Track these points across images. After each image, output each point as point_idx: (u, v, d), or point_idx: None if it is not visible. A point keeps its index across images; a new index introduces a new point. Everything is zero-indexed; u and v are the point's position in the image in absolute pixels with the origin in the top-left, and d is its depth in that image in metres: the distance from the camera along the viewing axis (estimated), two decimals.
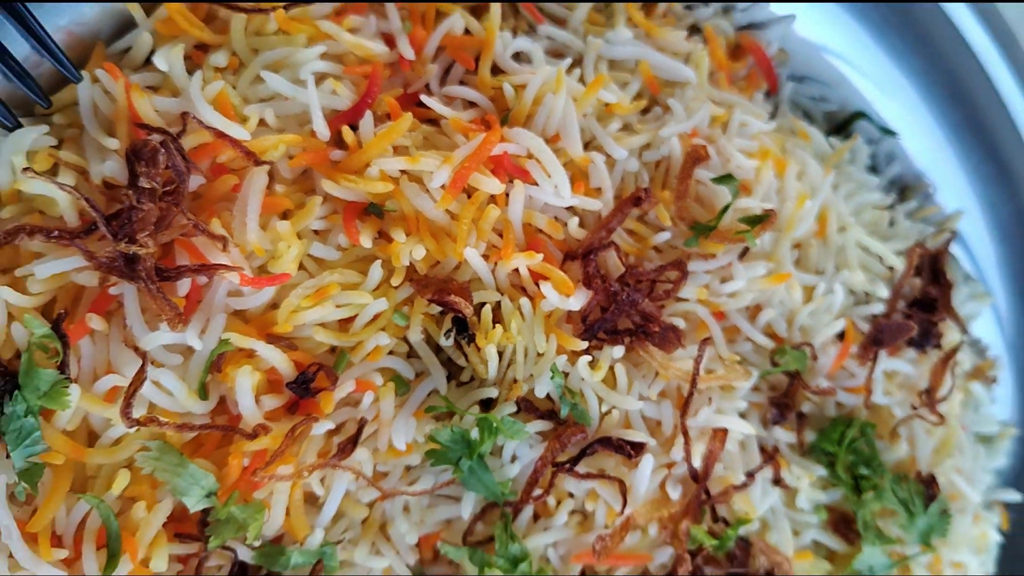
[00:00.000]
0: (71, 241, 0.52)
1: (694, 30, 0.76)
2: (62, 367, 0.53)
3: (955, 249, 0.86)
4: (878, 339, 0.74)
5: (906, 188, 0.85)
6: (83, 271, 0.54)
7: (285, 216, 0.58)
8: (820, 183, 0.75)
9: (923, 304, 0.79)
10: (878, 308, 0.76)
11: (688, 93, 0.71)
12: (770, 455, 0.71)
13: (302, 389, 0.58)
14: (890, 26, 0.81)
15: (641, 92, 0.71)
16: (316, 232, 0.59)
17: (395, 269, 0.60)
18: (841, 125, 0.84)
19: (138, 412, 0.54)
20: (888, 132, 0.82)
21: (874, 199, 0.80)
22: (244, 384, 0.56)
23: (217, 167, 0.57)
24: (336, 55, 0.62)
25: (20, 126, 0.54)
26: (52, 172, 0.54)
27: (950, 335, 0.80)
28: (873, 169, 0.85)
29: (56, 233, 0.52)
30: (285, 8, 0.59)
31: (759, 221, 0.68)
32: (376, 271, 0.59)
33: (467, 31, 0.66)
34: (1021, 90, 0.83)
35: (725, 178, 0.70)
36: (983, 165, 0.87)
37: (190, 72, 0.57)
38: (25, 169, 0.52)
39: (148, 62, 0.59)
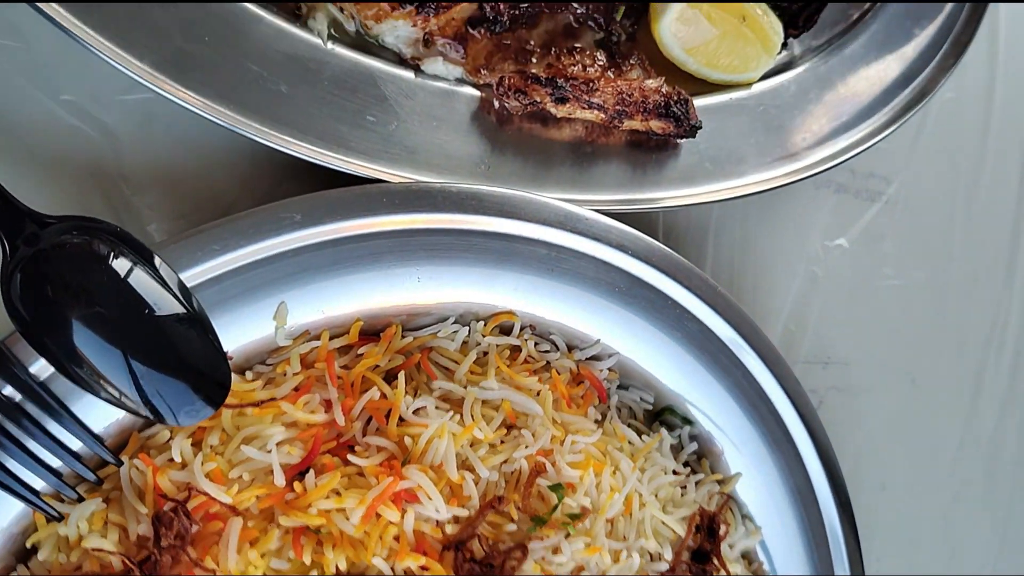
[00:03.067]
0: None
1: (547, 365, 1.09)
2: None
3: (740, 488, 1.20)
4: None
5: (702, 456, 1.19)
6: None
7: (253, 543, 0.89)
8: (629, 475, 1.08)
9: (699, 555, 1.12)
10: (664, 566, 1.09)
11: (536, 421, 1.03)
12: None
13: None
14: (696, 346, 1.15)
15: (503, 421, 1.03)
16: (274, 550, 0.90)
17: (326, 574, 0.91)
18: (658, 414, 1.18)
19: None
20: (687, 422, 1.16)
21: (671, 479, 1.13)
22: None
23: (208, 515, 0.87)
24: (291, 421, 0.93)
25: (82, 498, 0.84)
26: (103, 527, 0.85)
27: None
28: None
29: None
30: (260, 404, 0.90)
31: (578, 516, 1.02)
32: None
33: (383, 395, 0.97)
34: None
35: (556, 486, 1.02)
36: (770, 432, 1.21)
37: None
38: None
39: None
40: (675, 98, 1.06)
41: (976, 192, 1.41)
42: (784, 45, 1.21)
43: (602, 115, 1.03)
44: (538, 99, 1.00)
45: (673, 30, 1.08)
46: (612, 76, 1.05)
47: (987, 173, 1.41)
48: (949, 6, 1.29)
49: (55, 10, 0.81)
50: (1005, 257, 1.43)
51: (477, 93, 1.02)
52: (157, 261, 0.81)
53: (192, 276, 0.84)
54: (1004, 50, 1.41)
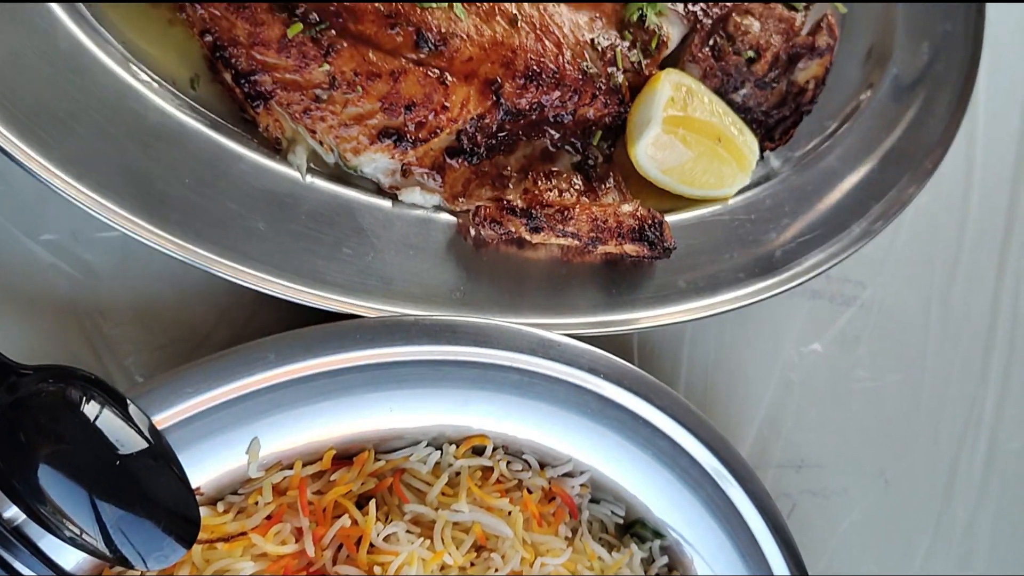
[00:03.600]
0: None
1: (520, 484, 1.10)
2: None
3: None
4: None
5: (673, 569, 1.20)
6: None
7: None
8: None
9: None
10: None
11: (507, 544, 1.05)
12: None
13: None
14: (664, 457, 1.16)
15: (474, 543, 1.05)
16: None
17: None
18: (628, 526, 1.19)
19: None
20: (658, 535, 1.17)
21: None
22: None
23: None
24: (261, 552, 0.94)
25: None
26: None
27: None
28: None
29: None
30: (230, 540, 0.91)
31: None
32: None
33: (354, 522, 0.98)
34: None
35: None
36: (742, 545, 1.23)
37: None
38: None
39: None
40: (649, 222, 1.08)
41: (951, 293, 1.42)
42: (761, 157, 1.23)
43: (576, 242, 1.05)
44: (513, 229, 1.02)
45: (649, 153, 1.10)
46: (588, 201, 1.07)
47: (962, 275, 1.43)
48: (927, 120, 1.31)
49: (33, 159, 0.82)
50: (980, 355, 1.45)
51: (454, 219, 1.04)
52: (131, 408, 0.83)
53: (165, 418, 0.86)
54: (981, 155, 1.44)
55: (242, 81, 0.93)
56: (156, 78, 0.91)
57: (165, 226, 0.87)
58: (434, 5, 0.97)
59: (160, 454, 0.84)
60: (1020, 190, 1.44)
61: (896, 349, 1.39)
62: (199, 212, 0.89)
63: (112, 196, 0.85)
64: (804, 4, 1.24)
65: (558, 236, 1.04)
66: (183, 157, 0.90)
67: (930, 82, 1.33)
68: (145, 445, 0.84)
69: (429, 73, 0.97)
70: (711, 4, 1.17)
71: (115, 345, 0.90)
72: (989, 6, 1.37)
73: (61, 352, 0.86)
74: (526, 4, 1.03)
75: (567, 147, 1.09)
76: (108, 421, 0.83)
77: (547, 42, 1.03)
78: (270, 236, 0.92)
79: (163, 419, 0.86)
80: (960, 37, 1.34)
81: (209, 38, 0.92)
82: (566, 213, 1.04)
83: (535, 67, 1.02)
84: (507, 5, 1.01)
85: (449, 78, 0.98)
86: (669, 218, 1.15)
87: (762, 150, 1.23)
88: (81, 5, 0.88)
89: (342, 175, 1.00)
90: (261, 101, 0.94)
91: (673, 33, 1.15)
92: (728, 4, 1.18)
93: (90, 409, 0.83)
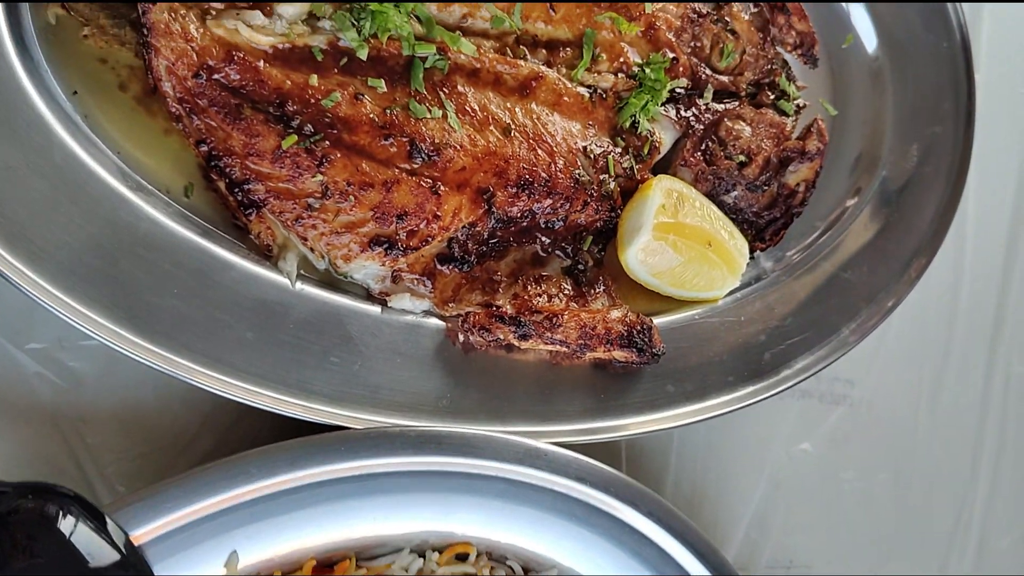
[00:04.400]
0: None
1: None
2: None
3: None
4: None
5: None
6: None
7: None
8: None
9: None
10: None
11: None
12: None
13: None
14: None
15: None
16: None
17: None
18: None
19: None
20: None
21: None
22: None
23: None
24: None
25: None
26: None
27: None
28: None
29: None
30: None
31: None
32: None
33: None
34: None
35: None
36: None
37: None
38: None
39: None
40: (638, 328, 1.08)
41: (940, 391, 1.43)
42: (751, 258, 1.24)
43: (565, 349, 1.05)
44: (501, 336, 1.02)
45: (640, 258, 1.11)
46: (577, 307, 1.07)
47: (951, 373, 1.43)
48: (916, 221, 1.32)
49: (21, 273, 0.83)
50: (969, 453, 1.45)
51: (443, 324, 1.04)
52: (109, 524, 0.82)
53: (145, 533, 0.85)
54: (971, 253, 1.45)
55: (236, 190, 0.94)
56: (150, 187, 0.92)
57: (151, 338, 0.87)
58: (428, 116, 0.98)
59: (134, 568, 0.83)
60: (1009, 289, 1.45)
61: (885, 448, 1.38)
62: (187, 323, 0.89)
63: (99, 309, 0.85)
64: (795, 108, 1.26)
65: (547, 343, 1.04)
66: (174, 267, 0.90)
67: (919, 184, 1.34)
68: (118, 557, 0.83)
69: (422, 183, 0.98)
70: (703, 110, 1.19)
71: (97, 453, 0.90)
72: (979, 98, 1.39)
73: (43, 461, 0.85)
74: (519, 113, 1.04)
75: (557, 252, 1.10)
76: (83, 536, 0.82)
77: (540, 151, 1.04)
78: (258, 346, 0.92)
79: (142, 534, 0.85)
80: (949, 140, 1.35)
81: (204, 148, 0.93)
82: (554, 320, 1.04)
83: (527, 176, 1.03)
84: (501, 115, 1.03)
85: (442, 187, 0.99)
86: (658, 320, 1.15)
87: (752, 251, 1.23)
88: (79, 119, 0.89)
89: (332, 281, 1.00)
90: (254, 209, 0.95)
91: (665, 138, 1.17)
92: (720, 109, 1.20)
93: (66, 524, 0.82)
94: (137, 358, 0.85)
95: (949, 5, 1.35)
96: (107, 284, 0.86)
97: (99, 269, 0.86)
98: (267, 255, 0.97)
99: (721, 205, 1.21)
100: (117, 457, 0.91)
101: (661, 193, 1.11)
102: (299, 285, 0.97)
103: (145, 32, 0.89)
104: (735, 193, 1.22)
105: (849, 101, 1.35)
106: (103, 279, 0.86)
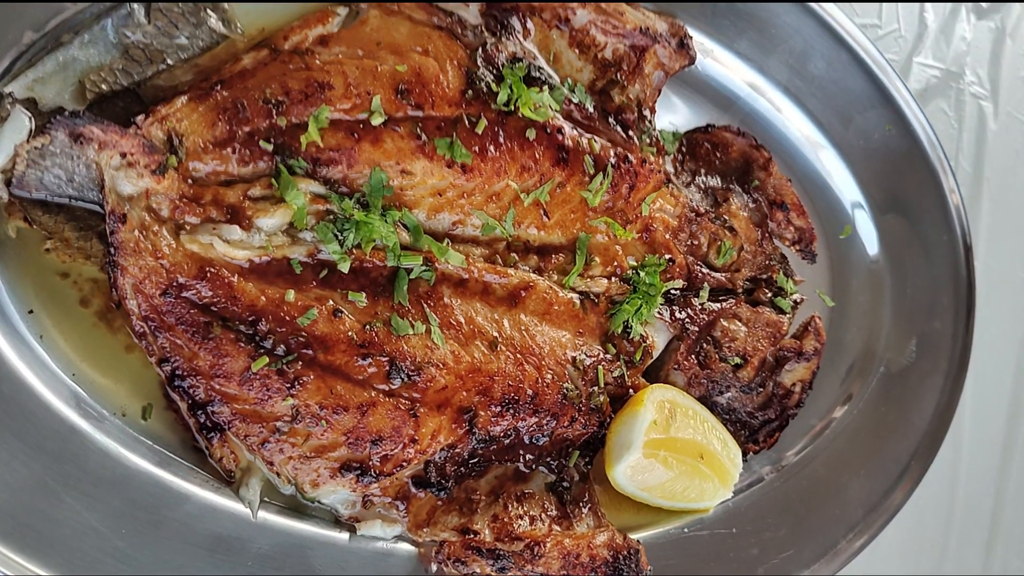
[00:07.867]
0: None
1: None
2: None
3: None
4: None
5: None
6: None
7: None
8: None
9: None
10: None
11: None
12: None
13: None
14: None
15: None
16: None
17: None
18: None
19: None
20: None
21: None
22: None
23: None
24: None
25: None
26: None
27: None
28: None
29: None
30: None
31: None
32: None
33: None
34: None
35: None
36: None
37: None
38: None
39: None
40: (624, 553, 1.01)
41: None
42: (744, 459, 1.18)
43: None
44: (478, 569, 0.95)
45: (628, 475, 1.05)
46: (560, 531, 1.00)
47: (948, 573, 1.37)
48: (915, 420, 1.27)
49: None
50: None
51: (414, 549, 0.96)
52: None
53: None
54: (967, 456, 1.40)
55: (199, 411, 0.88)
56: (105, 412, 0.85)
57: None
58: (411, 331, 0.92)
59: None
60: (1005, 489, 1.40)
61: None
62: (135, 565, 0.81)
63: (37, 559, 0.77)
64: (792, 303, 1.22)
65: None
66: (123, 504, 0.83)
67: (917, 381, 1.29)
68: None
69: (400, 405, 0.92)
70: (699, 310, 1.14)
71: None
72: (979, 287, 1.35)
73: None
74: (507, 325, 0.99)
75: (541, 467, 1.03)
76: None
77: (527, 365, 0.99)
78: None
79: None
80: (948, 335, 1.32)
81: (168, 367, 0.87)
82: (536, 550, 0.97)
83: (513, 394, 0.97)
84: (488, 327, 0.97)
85: (421, 409, 0.93)
86: (645, 534, 1.09)
87: (746, 452, 1.18)
88: (34, 340, 0.83)
89: (297, 506, 0.93)
90: (216, 432, 0.88)
91: (658, 340, 1.12)
92: (715, 309, 1.16)
93: None
94: None
95: (949, 197, 1.32)
96: (48, 529, 0.79)
97: (42, 512, 0.79)
98: (228, 481, 0.90)
99: (714, 406, 1.16)
100: None
101: (653, 408, 1.05)
102: (261, 514, 0.90)
103: (112, 251, 0.83)
104: (729, 394, 1.16)
105: (847, 292, 1.31)
106: (44, 525, 0.79)
